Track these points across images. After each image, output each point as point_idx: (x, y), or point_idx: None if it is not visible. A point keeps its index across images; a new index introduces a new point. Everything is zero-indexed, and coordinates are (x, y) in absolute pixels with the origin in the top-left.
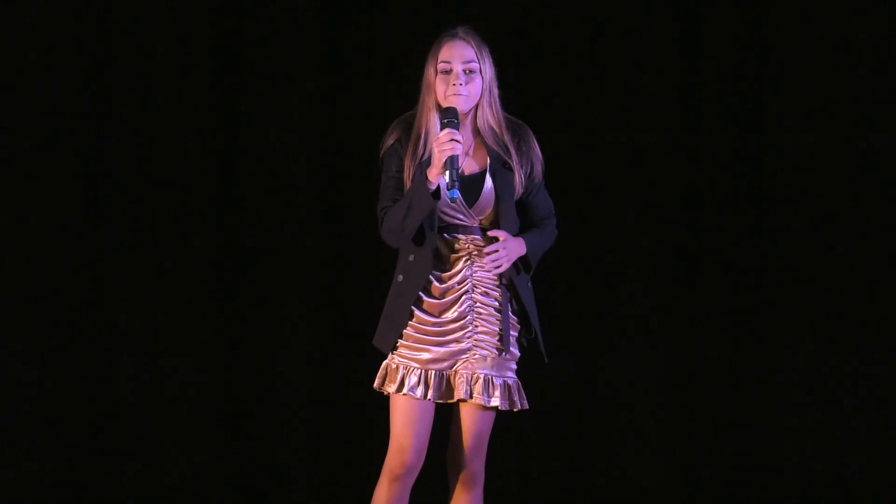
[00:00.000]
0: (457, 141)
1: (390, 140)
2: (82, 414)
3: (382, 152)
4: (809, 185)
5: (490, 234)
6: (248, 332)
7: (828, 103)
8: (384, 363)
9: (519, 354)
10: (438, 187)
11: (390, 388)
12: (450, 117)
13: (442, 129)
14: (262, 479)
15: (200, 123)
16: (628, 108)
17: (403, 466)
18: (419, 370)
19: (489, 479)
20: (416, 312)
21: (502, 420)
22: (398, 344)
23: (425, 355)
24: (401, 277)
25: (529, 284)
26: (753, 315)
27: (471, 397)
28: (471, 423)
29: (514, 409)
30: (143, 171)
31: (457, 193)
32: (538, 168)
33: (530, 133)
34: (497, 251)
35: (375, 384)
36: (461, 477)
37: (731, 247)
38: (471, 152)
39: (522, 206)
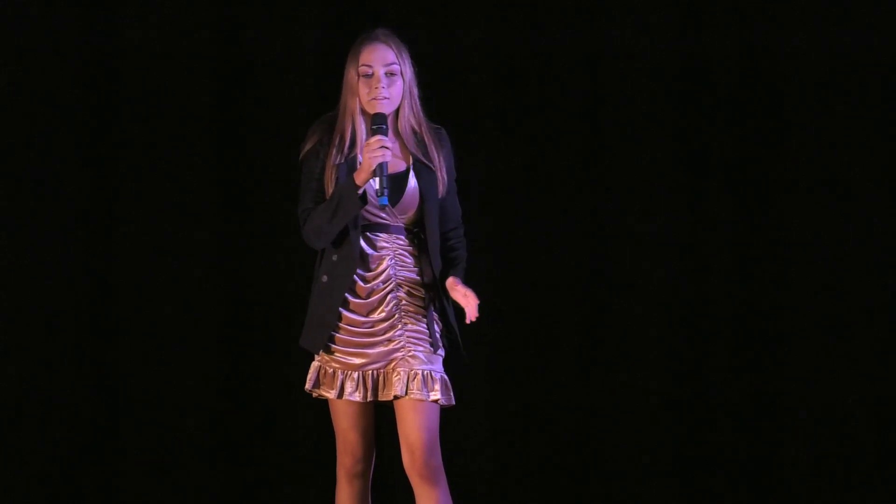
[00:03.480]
0: (386, 148)
1: (310, 142)
2: (82, 422)
3: (302, 154)
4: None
5: (454, 295)
6: (250, 332)
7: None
8: (314, 364)
9: (444, 354)
10: (365, 192)
11: (330, 394)
12: (379, 123)
13: (372, 135)
14: (262, 479)
15: (204, 122)
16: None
17: (358, 462)
18: (356, 374)
19: (490, 478)
20: (344, 313)
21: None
22: (332, 348)
23: (358, 360)
24: (325, 278)
25: None
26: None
27: (406, 394)
28: (420, 420)
29: (450, 406)
30: (145, 171)
31: (386, 200)
32: (452, 170)
33: (447, 136)
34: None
35: (307, 386)
36: (424, 477)
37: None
38: (395, 152)
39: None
